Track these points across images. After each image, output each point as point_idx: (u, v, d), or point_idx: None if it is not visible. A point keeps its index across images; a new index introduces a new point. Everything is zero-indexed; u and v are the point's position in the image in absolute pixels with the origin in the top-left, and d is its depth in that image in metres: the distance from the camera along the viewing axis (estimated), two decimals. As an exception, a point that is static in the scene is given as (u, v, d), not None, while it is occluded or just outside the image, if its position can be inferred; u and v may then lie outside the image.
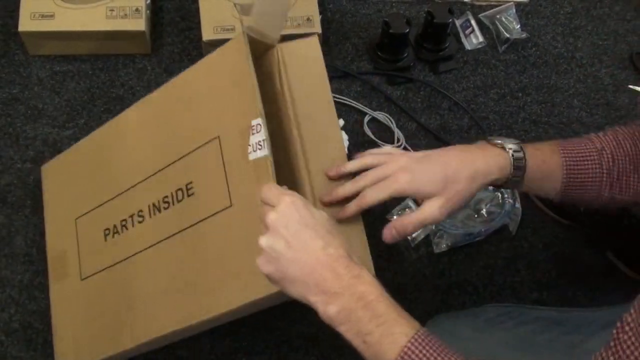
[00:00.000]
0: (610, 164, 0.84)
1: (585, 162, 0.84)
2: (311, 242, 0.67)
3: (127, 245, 0.93)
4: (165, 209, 0.89)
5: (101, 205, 0.99)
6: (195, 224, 0.84)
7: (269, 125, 0.80)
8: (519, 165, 0.82)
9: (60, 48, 1.30)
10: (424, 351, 0.62)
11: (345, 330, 0.65)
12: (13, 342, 1.10)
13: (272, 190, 0.72)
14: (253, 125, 0.78)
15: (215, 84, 0.86)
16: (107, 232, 0.97)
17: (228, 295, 0.80)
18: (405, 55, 1.35)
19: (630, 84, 1.39)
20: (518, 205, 1.22)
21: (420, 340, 0.63)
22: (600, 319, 0.94)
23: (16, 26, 1.25)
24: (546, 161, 0.84)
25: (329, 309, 0.66)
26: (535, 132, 1.32)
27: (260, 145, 0.77)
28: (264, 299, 0.77)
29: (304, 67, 0.89)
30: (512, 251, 1.21)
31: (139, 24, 1.26)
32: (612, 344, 0.57)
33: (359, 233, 0.84)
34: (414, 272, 1.18)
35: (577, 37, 1.46)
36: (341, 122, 1.25)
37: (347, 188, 0.82)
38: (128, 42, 1.30)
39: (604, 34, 1.47)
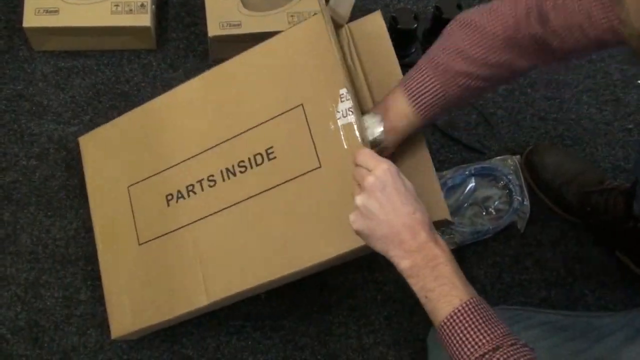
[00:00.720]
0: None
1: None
2: (401, 206, 0.75)
3: (196, 209, 0.98)
4: (241, 172, 0.94)
5: (159, 173, 1.02)
6: (282, 183, 0.91)
7: None
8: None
9: (65, 44, 1.29)
10: (472, 316, 0.70)
11: (413, 284, 0.74)
12: (19, 340, 1.10)
13: (369, 156, 0.79)
14: (342, 94, 0.87)
15: (295, 57, 0.93)
16: (169, 197, 1.00)
17: (317, 249, 0.88)
18: (413, 50, 1.33)
19: (640, 80, 1.37)
20: (526, 202, 1.21)
21: (471, 306, 0.71)
22: (606, 326, 0.93)
23: (20, 22, 1.24)
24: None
25: (402, 263, 0.74)
26: (544, 129, 1.30)
27: (351, 111, 0.87)
28: (348, 253, 0.87)
29: (371, 44, 0.98)
30: (520, 249, 1.20)
31: (144, 20, 1.25)
32: None
33: (430, 176, 0.94)
34: (421, 271, 1.17)
35: (587, 32, 1.44)
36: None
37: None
38: (133, 37, 1.29)
39: (614, 29, 1.45)
